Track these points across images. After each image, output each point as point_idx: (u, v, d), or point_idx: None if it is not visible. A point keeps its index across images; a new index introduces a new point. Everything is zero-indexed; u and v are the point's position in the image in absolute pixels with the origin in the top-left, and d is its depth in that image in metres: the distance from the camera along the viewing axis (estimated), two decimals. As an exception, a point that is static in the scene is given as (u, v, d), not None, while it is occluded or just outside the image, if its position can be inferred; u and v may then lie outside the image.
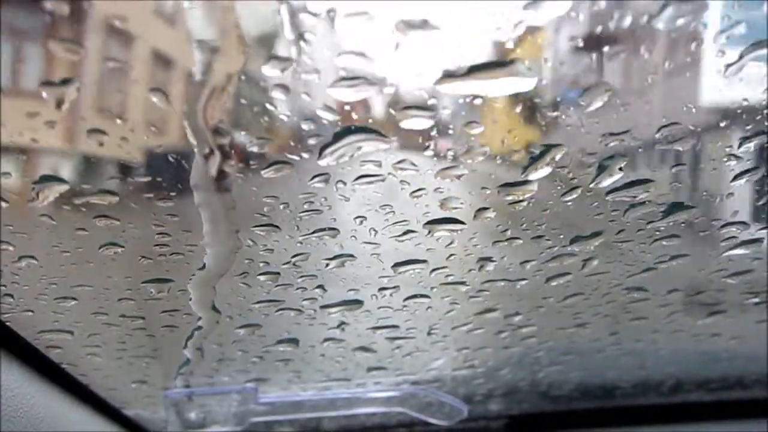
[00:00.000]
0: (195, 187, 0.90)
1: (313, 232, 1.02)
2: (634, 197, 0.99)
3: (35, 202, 0.85)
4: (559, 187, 0.97)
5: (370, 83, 0.79)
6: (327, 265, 1.10)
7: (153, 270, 1.06)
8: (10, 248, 0.94)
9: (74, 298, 1.09)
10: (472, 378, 1.58)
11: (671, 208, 1.03)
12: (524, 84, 0.79)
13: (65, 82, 0.75)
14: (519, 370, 1.61)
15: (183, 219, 0.97)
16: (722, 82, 0.85)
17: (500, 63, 0.76)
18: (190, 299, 1.14)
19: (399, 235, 1.06)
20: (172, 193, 0.92)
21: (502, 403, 1.64)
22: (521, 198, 0.97)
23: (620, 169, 0.93)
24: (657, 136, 0.91)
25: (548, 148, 0.89)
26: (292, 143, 0.88)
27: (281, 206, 0.98)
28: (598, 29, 0.79)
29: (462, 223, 1.03)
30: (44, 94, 0.75)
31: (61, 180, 0.85)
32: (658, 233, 1.10)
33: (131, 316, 1.19)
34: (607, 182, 0.95)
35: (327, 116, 0.83)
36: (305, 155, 0.88)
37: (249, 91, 0.83)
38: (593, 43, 0.81)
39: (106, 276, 1.08)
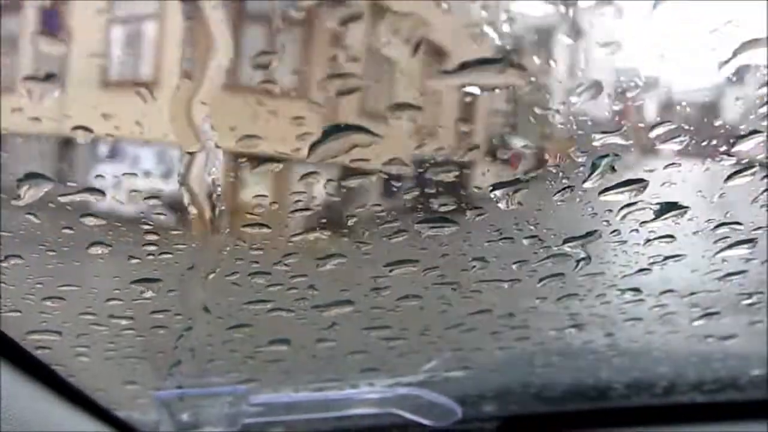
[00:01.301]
0: (184, 185, 0.89)
1: (304, 232, 1.01)
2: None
3: (20, 200, 0.84)
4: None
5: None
6: (318, 265, 1.09)
7: (142, 270, 1.05)
8: None
9: (62, 298, 1.08)
10: (465, 379, 1.57)
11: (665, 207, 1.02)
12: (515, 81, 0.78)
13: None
14: (513, 371, 1.61)
15: (172, 217, 0.96)
16: None
17: (491, 60, 0.75)
18: (180, 299, 1.13)
19: (391, 235, 1.05)
20: (162, 191, 0.91)
21: (495, 404, 1.63)
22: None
23: (613, 168, 0.92)
24: None
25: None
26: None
27: (271, 204, 0.97)
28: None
29: (455, 222, 1.02)
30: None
31: (46, 178, 0.83)
32: (652, 233, 1.09)
33: (120, 316, 1.17)
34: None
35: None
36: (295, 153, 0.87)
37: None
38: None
39: (93, 276, 1.07)
